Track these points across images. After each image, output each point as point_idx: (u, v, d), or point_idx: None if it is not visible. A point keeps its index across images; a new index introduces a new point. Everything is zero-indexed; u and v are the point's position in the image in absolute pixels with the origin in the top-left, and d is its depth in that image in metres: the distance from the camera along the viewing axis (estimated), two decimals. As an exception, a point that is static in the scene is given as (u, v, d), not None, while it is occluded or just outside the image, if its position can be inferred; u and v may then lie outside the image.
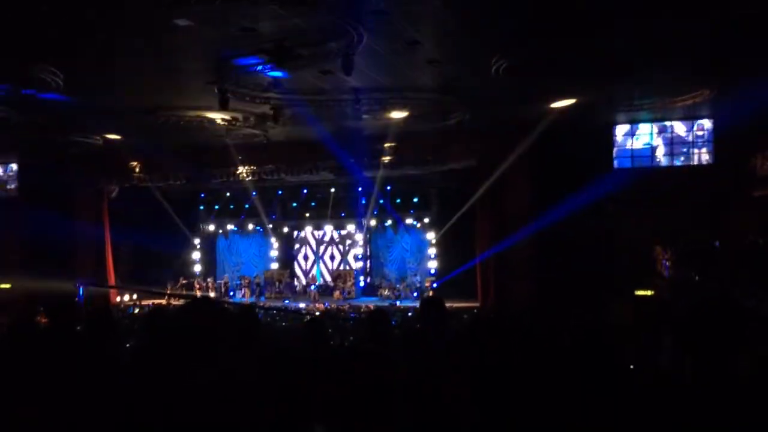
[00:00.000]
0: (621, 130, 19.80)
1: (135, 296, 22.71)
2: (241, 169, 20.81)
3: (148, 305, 19.44)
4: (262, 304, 20.94)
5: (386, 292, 22.80)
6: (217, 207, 25.77)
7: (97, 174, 21.76)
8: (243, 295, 23.76)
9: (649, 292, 16.11)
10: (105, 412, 2.30)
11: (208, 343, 2.46)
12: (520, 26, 10.98)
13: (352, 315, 16.44)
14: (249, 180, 21.22)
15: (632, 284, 16.14)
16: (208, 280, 24.85)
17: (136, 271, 23.94)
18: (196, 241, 25.85)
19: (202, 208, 25.96)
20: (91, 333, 2.48)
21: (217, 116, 16.64)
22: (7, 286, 20.64)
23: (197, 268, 25.66)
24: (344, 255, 25.48)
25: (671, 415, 2.36)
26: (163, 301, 19.92)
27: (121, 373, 2.84)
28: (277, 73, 12.98)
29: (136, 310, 18.33)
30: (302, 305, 21.04)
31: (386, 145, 19.05)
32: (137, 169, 21.45)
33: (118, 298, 22.33)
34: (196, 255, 25.87)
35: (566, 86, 14.55)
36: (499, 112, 16.54)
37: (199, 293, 23.58)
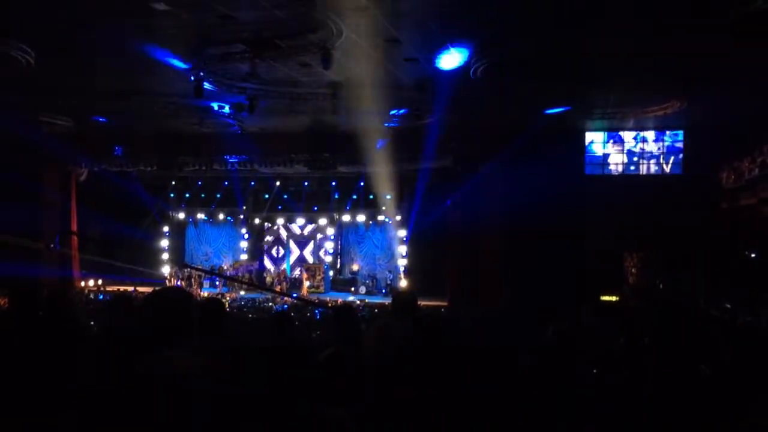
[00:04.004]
0: (593, 137, 20.03)
1: (99, 282, 22.35)
2: None
3: (115, 291, 19.09)
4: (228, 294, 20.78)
5: (358, 288, 22.87)
6: (188, 195, 25.44)
7: (67, 156, 21.27)
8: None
9: (614, 298, 16.33)
10: (60, 395, 2.26)
11: (172, 332, 2.42)
12: (499, 28, 11.04)
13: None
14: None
15: (599, 289, 16.33)
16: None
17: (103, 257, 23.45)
18: (165, 228, 25.48)
19: (172, 195, 25.59)
20: (50, 317, 2.43)
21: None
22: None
23: (165, 256, 25.29)
24: (315, 249, 25.34)
25: (630, 422, 2.39)
26: (129, 288, 19.62)
27: (79, 360, 2.80)
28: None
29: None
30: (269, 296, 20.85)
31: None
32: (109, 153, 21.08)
33: (83, 283, 21.92)
34: (164, 243, 25.49)
35: (541, 91, 14.67)
36: (474, 114, 16.60)
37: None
